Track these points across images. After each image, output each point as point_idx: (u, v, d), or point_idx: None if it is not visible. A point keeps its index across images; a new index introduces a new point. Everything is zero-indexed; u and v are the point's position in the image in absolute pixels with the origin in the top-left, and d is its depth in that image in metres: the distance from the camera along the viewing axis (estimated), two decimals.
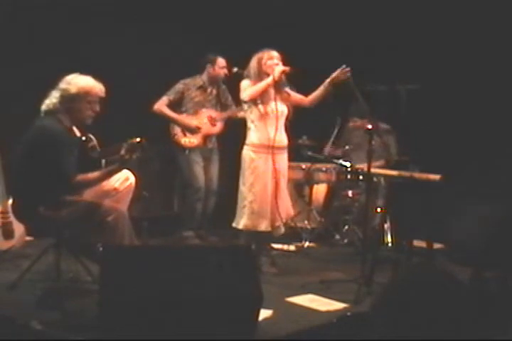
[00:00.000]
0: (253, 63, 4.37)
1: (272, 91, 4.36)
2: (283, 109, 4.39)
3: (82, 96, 3.70)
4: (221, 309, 2.86)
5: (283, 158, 4.45)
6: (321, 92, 4.41)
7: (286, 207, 4.48)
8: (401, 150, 5.01)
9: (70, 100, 3.68)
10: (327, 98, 4.43)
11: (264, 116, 4.33)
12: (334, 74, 4.30)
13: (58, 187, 3.62)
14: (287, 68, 4.28)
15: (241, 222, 4.34)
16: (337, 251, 5.26)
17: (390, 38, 5.72)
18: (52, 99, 3.71)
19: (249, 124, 4.40)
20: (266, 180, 4.32)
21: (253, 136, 4.37)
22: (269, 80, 4.26)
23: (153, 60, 5.60)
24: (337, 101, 4.79)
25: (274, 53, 4.34)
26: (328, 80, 4.35)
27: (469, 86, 5.33)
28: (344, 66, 4.27)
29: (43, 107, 3.72)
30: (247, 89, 4.32)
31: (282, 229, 4.51)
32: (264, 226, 4.31)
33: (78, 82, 3.70)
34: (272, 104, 4.34)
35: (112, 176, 3.76)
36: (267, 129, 4.33)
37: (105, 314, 2.87)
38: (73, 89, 3.68)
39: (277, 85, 4.34)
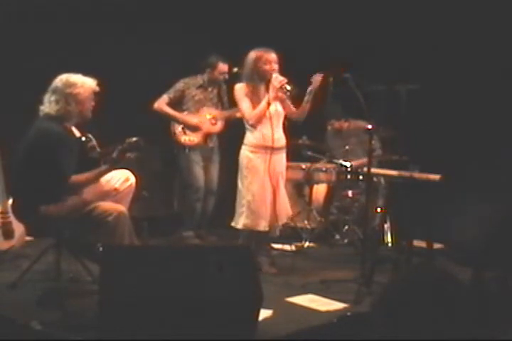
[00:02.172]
0: (249, 62, 4.31)
1: (263, 92, 4.32)
2: (277, 108, 4.36)
3: (89, 96, 3.72)
4: (221, 309, 2.86)
5: (281, 158, 4.45)
6: (306, 105, 4.37)
7: (285, 207, 4.48)
8: (394, 149, 5.01)
9: (81, 102, 3.69)
10: (316, 107, 4.41)
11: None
12: (311, 87, 4.30)
13: (57, 187, 3.62)
14: (284, 81, 4.20)
15: (240, 222, 4.34)
16: (337, 251, 5.26)
17: (390, 37, 5.72)
18: (55, 103, 3.68)
19: (247, 125, 4.40)
20: (264, 180, 4.32)
21: (250, 136, 4.37)
22: (267, 99, 4.24)
23: (154, 60, 5.60)
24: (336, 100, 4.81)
25: (272, 56, 4.27)
26: (308, 92, 4.32)
27: (469, 86, 5.33)
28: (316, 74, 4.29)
29: (45, 111, 3.70)
30: (249, 113, 4.28)
31: (277, 231, 4.51)
32: (262, 226, 4.31)
33: (84, 82, 3.71)
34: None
35: (103, 176, 3.77)
36: (263, 129, 4.32)
37: (105, 314, 2.87)
38: (82, 91, 3.69)
39: (269, 85, 4.29)
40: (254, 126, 4.32)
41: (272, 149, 4.32)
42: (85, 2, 5.44)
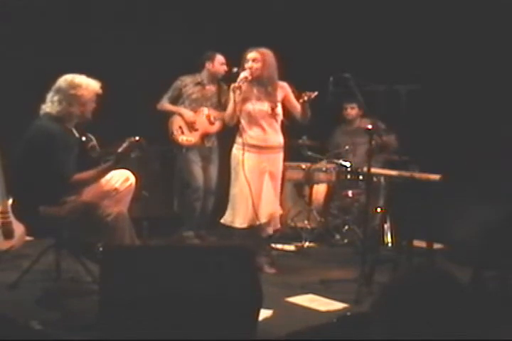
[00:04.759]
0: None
1: (253, 91, 4.36)
2: (264, 108, 4.38)
3: (92, 98, 3.72)
4: (221, 309, 2.86)
5: (272, 158, 4.45)
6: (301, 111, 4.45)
7: (269, 206, 4.42)
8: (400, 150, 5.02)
9: (83, 104, 3.70)
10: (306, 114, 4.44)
11: (248, 116, 4.37)
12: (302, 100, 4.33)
13: (57, 187, 3.62)
14: (241, 78, 4.28)
15: (223, 217, 4.46)
16: (337, 251, 5.26)
17: (390, 37, 5.72)
18: (58, 103, 3.67)
19: (240, 125, 4.43)
20: (249, 178, 4.32)
21: (240, 135, 4.42)
22: (232, 101, 4.36)
23: (154, 60, 5.60)
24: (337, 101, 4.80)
25: (250, 54, 4.34)
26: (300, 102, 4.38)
27: (469, 86, 5.33)
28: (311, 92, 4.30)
29: (46, 110, 3.70)
30: (225, 113, 4.49)
31: (269, 230, 4.49)
32: (238, 222, 4.35)
33: (88, 84, 3.71)
34: (250, 104, 4.36)
35: (107, 173, 3.76)
36: (253, 128, 4.38)
37: (105, 314, 2.86)
38: (86, 93, 3.69)
39: (256, 84, 4.35)
40: (230, 125, 4.47)
41: (261, 148, 4.37)
42: (85, 2, 5.44)
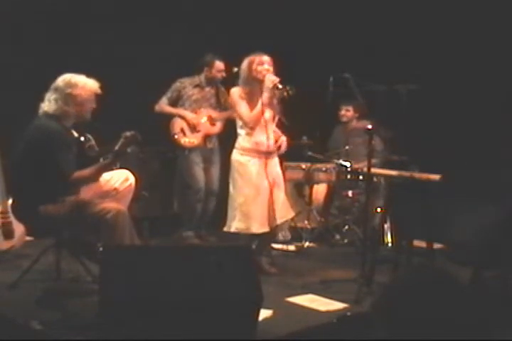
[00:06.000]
0: (244, 67, 4.32)
1: (259, 95, 4.28)
2: (268, 113, 4.33)
3: (89, 98, 3.72)
4: (221, 309, 2.86)
5: (273, 161, 4.43)
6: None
7: (282, 209, 4.40)
8: (394, 149, 5.01)
9: (80, 103, 3.70)
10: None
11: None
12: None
13: (57, 186, 3.62)
14: (276, 81, 4.19)
15: (233, 225, 4.33)
16: (337, 251, 5.26)
17: (390, 38, 5.71)
18: (55, 102, 3.68)
19: (239, 130, 4.38)
20: (257, 183, 4.29)
21: (243, 140, 4.35)
22: (264, 99, 4.21)
23: (153, 60, 5.60)
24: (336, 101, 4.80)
25: (265, 58, 4.27)
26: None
27: (469, 86, 5.33)
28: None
29: (44, 109, 3.71)
30: (248, 116, 4.26)
31: (287, 234, 4.48)
32: (255, 228, 4.28)
33: (85, 84, 3.71)
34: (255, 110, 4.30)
35: (106, 170, 3.77)
36: (259, 134, 4.31)
37: (105, 314, 2.86)
38: (82, 93, 3.69)
39: (263, 91, 4.28)
40: (253, 129, 4.31)
41: (268, 153, 4.34)
42: (85, 2, 5.44)
